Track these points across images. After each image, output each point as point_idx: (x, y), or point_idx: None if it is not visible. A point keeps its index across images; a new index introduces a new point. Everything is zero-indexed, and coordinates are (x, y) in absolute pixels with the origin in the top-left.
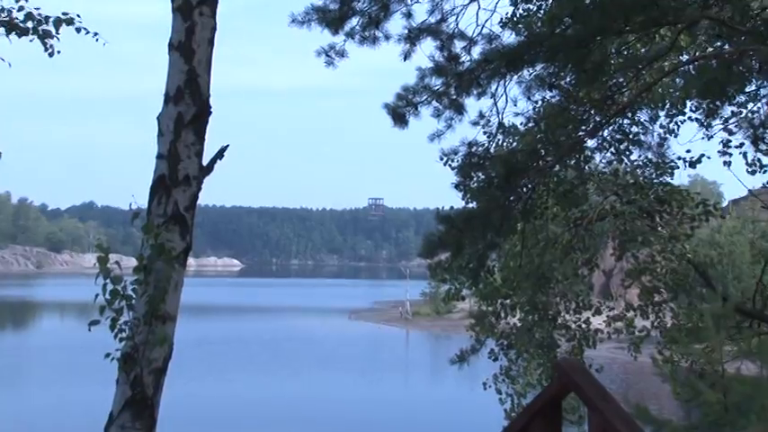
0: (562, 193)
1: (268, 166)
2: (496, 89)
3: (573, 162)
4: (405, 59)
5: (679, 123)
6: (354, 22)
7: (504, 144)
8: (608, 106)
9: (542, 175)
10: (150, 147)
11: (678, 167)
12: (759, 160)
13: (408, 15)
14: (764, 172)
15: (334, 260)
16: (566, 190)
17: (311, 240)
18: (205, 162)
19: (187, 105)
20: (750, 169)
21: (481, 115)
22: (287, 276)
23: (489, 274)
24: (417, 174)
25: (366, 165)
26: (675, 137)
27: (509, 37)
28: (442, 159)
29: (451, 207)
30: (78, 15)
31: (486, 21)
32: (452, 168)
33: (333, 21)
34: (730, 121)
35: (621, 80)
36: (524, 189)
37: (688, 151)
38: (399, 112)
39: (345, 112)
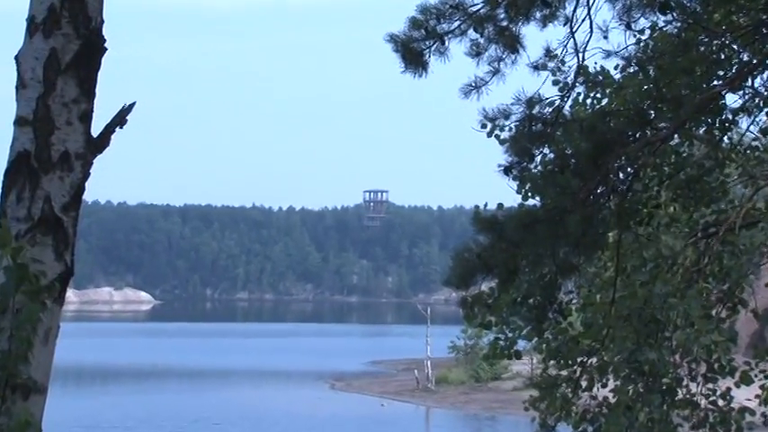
0: (684, 182)
1: (199, 138)
2: (574, 11)
3: (702, 130)
4: None
5: None
6: None
7: (588, 101)
8: (762, 38)
9: (651, 153)
10: (8, 105)
11: None
12: None
13: None
14: None
15: (308, 292)
16: (690, 177)
17: (270, 259)
18: (96, 131)
19: (65, 37)
20: None
21: (549, 54)
22: (230, 319)
23: (562, 315)
24: (442, 152)
25: (360, 138)
26: None
27: None
28: (483, 126)
29: (500, 205)
30: None
31: None
32: (501, 141)
33: None
34: None
35: None
36: (621, 175)
37: None
38: (414, 50)
39: (324, 49)
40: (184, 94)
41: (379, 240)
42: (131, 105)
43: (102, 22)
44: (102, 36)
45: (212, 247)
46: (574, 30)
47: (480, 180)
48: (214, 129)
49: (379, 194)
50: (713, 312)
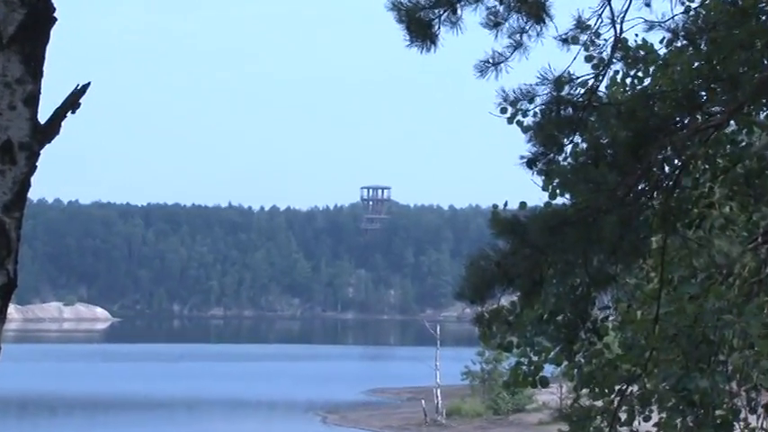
0: (742, 177)
1: (166, 125)
2: None
3: (763, 116)
4: None
5: None
6: None
7: (628, 81)
8: None
9: (702, 143)
10: None
11: None
12: None
13: None
14: None
15: (295, 308)
16: (749, 171)
17: (251, 269)
18: (44, 117)
19: (7, 5)
20: None
21: (581, 24)
22: (202, 340)
23: (596, 334)
24: (453, 142)
25: (357, 126)
26: None
27: None
28: (503, 111)
29: (522, 204)
30: None
31: None
32: (524, 129)
33: None
34: None
35: None
36: (666, 169)
37: None
38: (421, 20)
39: (312, 21)
40: (148, 74)
41: (379, 246)
42: (85, 86)
43: None
44: (52, 4)
45: (181, 254)
46: None
47: (499, 175)
48: (184, 115)
49: (380, 192)
50: None
